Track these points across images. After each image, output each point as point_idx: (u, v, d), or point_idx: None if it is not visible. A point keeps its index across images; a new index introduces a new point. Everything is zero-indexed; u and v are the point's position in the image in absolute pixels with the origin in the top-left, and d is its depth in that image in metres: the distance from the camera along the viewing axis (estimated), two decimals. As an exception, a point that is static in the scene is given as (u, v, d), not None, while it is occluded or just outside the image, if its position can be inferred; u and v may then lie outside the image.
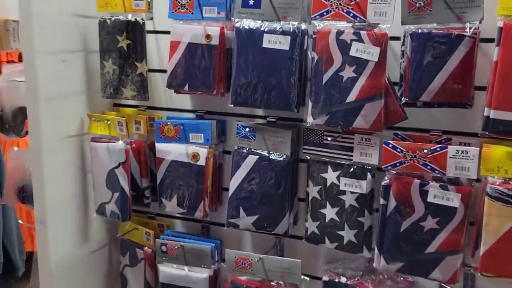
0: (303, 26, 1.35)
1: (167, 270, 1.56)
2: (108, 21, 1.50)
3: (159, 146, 1.53)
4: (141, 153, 1.58)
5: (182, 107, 1.63)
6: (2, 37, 1.44)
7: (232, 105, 1.42)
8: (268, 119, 1.51)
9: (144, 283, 1.65)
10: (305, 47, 1.37)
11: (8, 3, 1.46)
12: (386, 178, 1.30)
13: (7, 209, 2.93)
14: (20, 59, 3.05)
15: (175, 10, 1.46)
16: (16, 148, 1.62)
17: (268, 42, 1.35)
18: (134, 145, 1.57)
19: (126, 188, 1.53)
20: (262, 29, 1.35)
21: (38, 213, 1.47)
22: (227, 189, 1.54)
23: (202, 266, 1.53)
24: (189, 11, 1.45)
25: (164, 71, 1.57)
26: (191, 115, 1.62)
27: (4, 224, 2.91)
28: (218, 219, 1.63)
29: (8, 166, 1.68)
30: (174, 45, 1.47)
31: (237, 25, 1.38)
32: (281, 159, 1.43)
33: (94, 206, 1.63)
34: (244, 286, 1.49)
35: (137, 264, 1.66)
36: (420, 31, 1.22)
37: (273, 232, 1.48)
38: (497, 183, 1.19)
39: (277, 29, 1.34)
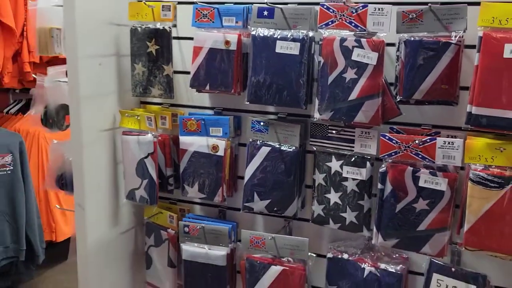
0: (311, 34, 1.52)
1: (189, 248, 1.74)
2: (138, 29, 1.69)
3: (183, 138, 1.73)
4: (166, 145, 1.77)
5: (202, 105, 1.82)
6: (47, 42, 1.63)
7: (248, 102, 1.61)
8: (279, 115, 1.69)
9: (167, 260, 1.84)
10: (312, 52, 1.55)
11: (52, 13, 1.65)
12: (383, 166, 1.47)
13: (29, 201, 3.13)
14: (41, 61, 3.27)
15: (198, 19, 1.65)
16: (55, 141, 1.81)
17: (280, 47, 1.53)
18: (160, 138, 1.76)
19: (154, 175, 1.72)
20: (275, 36, 1.53)
21: (77, 197, 1.67)
22: (241, 177, 1.73)
23: (221, 244, 1.72)
24: (210, 20, 1.63)
25: (186, 72, 1.76)
26: (210, 112, 1.81)
27: (26, 215, 3.11)
28: (234, 204, 1.81)
29: (49, 157, 1.88)
30: (196, 50, 1.65)
31: (253, 33, 1.56)
32: (291, 150, 1.61)
33: (124, 193, 1.83)
34: (258, 262, 1.67)
35: (161, 244, 1.85)
36: (412, 38, 1.39)
37: (283, 215, 1.66)
38: (479, 169, 1.36)
39: (288, 36, 1.52)
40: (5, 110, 3.63)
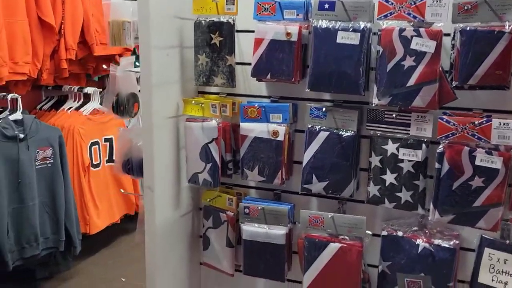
0: (369, 25, 1.64)
1: (249, 228, 1.84)
2: (202, 22, 1.79)
3: (244, 125, 1.83)
4: (226, 131, 1.88)
5: (258, 94, 1.92)
6: (120, 35, 1.75)
7: (308, 90, 1.72)
8: (335, 102, 1.80)
9: (226, 241, 1.94)
10: (370, 42, 1.67)
11: (123, 8, 1.76)
12: (440, 146, 1.57)
13: (68, 194, 3.24)
14: (76, 58, 3.40)
15: (259, 13, 1.75)
16: (122, 128, 1.92)
17: (341, 38, 1.64)
18: (221, 125, 1.86)
19: (217, 159, 1.83)
20: (336, 27, 1.64)
21: (147, 180, 1.78)
22: (297, 162, 1.84)
23: (280, 224, 1.82)
24: (271, 13, 1.74)
25: (243, 63, 1.88)
26: (266, 100, 1.91)
27: (65, 207, 3.21)
28: (289, 188, 1.91)
29: (117, 143, 1.99)
30: (258, 41, 1.75)
31: (314, 24, 1.67)
32: (349, 134, 1.72)
33: (185, 177, 1.93)
34: (317, 240, 1.77)
35: (220, 225, 1.94)
36: (468, 28, 1.49)
37: (340, 195, 1.77)
38: (532, 148, 1.49)
39: (349, 27, 1.63)
40: (38, 107, 3.74)
